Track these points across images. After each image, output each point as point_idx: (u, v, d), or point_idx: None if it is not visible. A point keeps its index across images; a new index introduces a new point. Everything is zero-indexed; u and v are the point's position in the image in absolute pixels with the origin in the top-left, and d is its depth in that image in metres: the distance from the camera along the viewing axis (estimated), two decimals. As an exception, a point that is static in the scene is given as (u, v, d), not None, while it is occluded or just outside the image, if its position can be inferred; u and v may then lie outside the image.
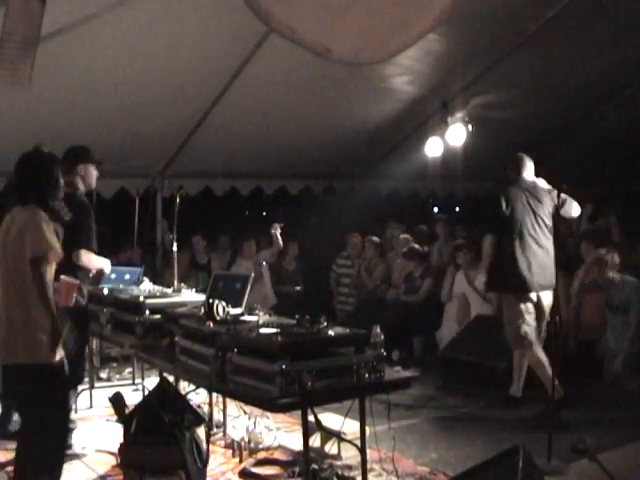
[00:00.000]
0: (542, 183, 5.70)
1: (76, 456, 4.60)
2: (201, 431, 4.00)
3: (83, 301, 4.69)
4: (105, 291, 5.17)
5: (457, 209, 9.43)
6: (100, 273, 5.10)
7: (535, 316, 5.55)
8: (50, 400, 3.48)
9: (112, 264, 5.12)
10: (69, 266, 4.15)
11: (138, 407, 4.06)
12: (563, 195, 5.35)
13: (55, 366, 3.48)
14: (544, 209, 5.57)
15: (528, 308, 5.51)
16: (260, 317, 4.04)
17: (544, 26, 6.42)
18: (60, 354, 3.51)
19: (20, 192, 3.62)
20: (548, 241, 5.52)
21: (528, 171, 5.72)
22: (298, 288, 8.88)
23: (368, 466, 3.86)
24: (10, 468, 4.13)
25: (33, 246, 3.43)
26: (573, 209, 5.67)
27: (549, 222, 5.55)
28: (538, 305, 5.55)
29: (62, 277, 3.65)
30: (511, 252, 5.46)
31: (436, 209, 13.90)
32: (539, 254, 5.47)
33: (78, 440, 4.78)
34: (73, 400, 4.76)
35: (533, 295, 5.51)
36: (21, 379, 3.48)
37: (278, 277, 8.80)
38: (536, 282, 5.45)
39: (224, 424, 5.14)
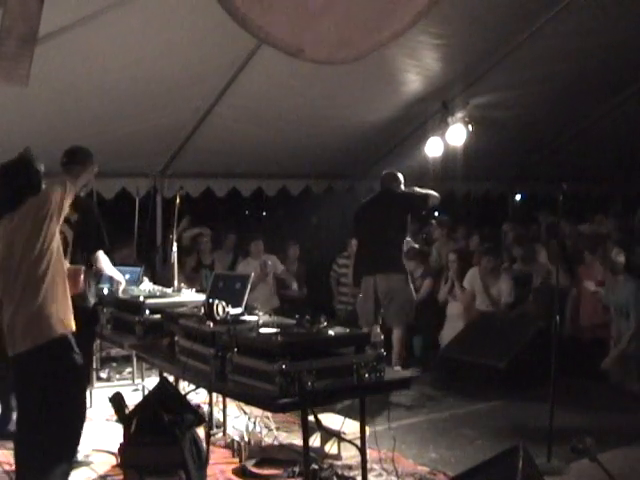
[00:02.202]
0: (395, 189, 6.52)
1: (79, 464, 4.49)
2: (201, 431, 4.00)
3: (91, 301, 4.72)
4: (105, 291, 5.17)
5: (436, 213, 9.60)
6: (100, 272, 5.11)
7: (375, 297, 6.39)
8: (69, 379, 3.50)
9: (111, 264, 5.10)
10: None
11: (138, 407, 4.06)
12: (419, 191, 6.50)
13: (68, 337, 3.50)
14: (390, 212, 6.39)
15: (365, 291, 6.47)
16: (260, 317, 4.04)
17: (544, 27, 6.43)
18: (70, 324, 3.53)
19: (12, 197, 3.56)
20: (387, 237, 6.34)
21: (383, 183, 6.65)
22: (296, 292, 8.70)
23: (368, 466, 3.86)
24: (10, 468, 4.13)
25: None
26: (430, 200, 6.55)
27: (394, 222, 6.39)
28: (375, 288, 6.38)
29: (67, 266, 3.70)
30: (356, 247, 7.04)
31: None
32: (372, 247, 6.44)
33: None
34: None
35: (365, 279, 6.45)
36: (41, 359, 3.45)
37: (278, 279, 8.70)
38: (364, 269, 6.51)
39: (224, 424, 5.13)
